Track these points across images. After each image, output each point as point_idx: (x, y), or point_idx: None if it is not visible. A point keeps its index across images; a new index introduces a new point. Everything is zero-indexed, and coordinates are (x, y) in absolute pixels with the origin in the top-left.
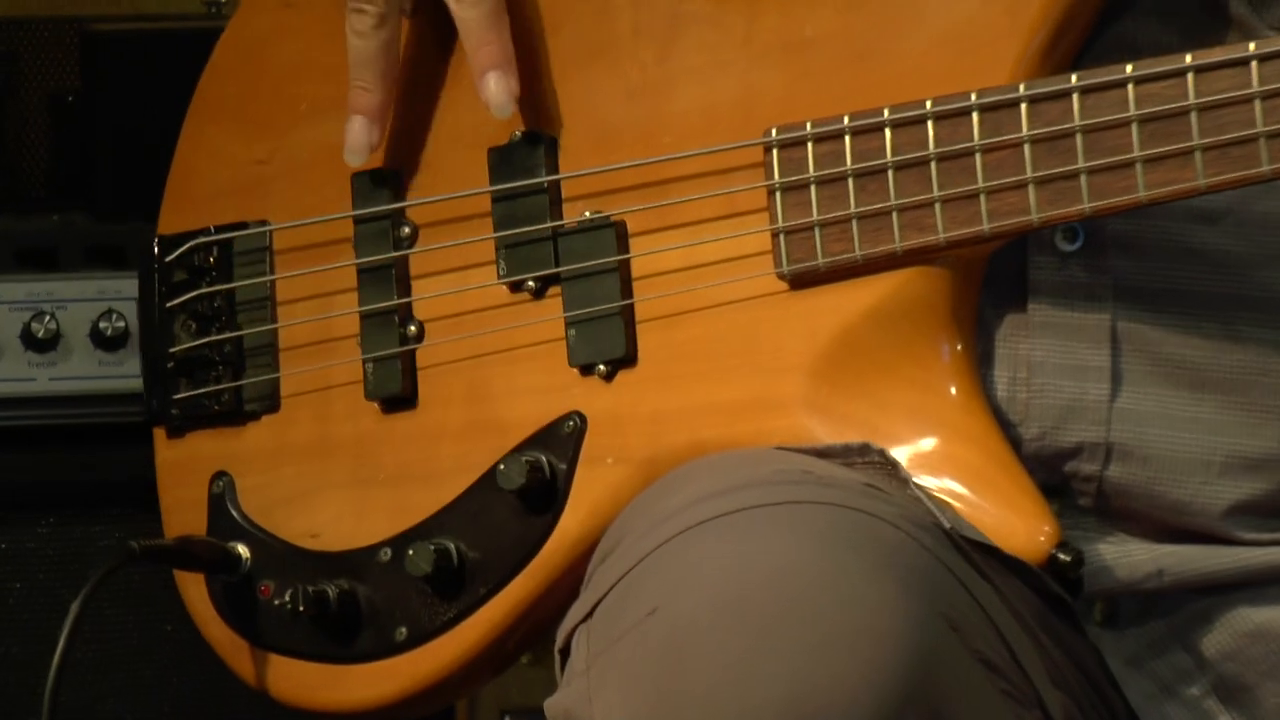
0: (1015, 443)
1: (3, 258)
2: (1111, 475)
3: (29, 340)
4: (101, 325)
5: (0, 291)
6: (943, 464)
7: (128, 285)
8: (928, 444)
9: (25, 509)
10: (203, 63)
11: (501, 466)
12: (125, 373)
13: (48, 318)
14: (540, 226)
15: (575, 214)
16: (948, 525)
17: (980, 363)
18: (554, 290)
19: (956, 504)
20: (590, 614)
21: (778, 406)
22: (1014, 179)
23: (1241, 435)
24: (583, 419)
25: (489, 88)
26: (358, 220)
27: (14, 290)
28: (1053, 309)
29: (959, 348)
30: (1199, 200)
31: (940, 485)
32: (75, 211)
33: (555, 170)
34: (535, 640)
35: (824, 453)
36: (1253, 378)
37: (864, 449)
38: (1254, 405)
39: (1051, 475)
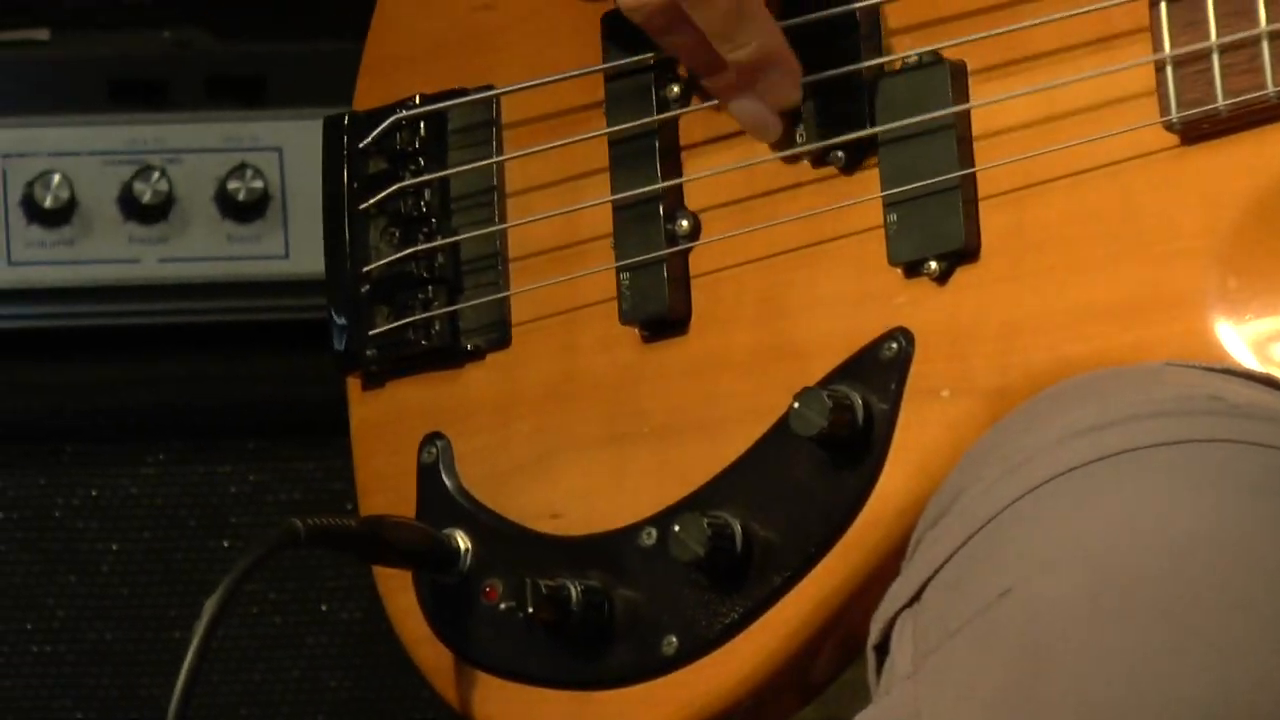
0: None
1: (92, 90)
2: None
3: (130, 206)
4: (231, 186)
5: (90, 138)
6: None
7: (265, 130)
8: None
9: (124, 440)
10: None
11: (796, 405)
12: (263, 251)
13: (156, 175)
14: (850, 68)
15: (898, 51)
16: None
17: None
18: (869, 160)
19: None
20: (917, 596)
21: (1172, 306)
22: None
23: None
24: (908, 338)
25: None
26: (610, 76)
27: (109, 136)
28: None
29: None
30: None
31: None
32: (193, 27)
33: None
34: (856, 651)
35: (1239, 374)
36: None
37: None
38: None
39: None
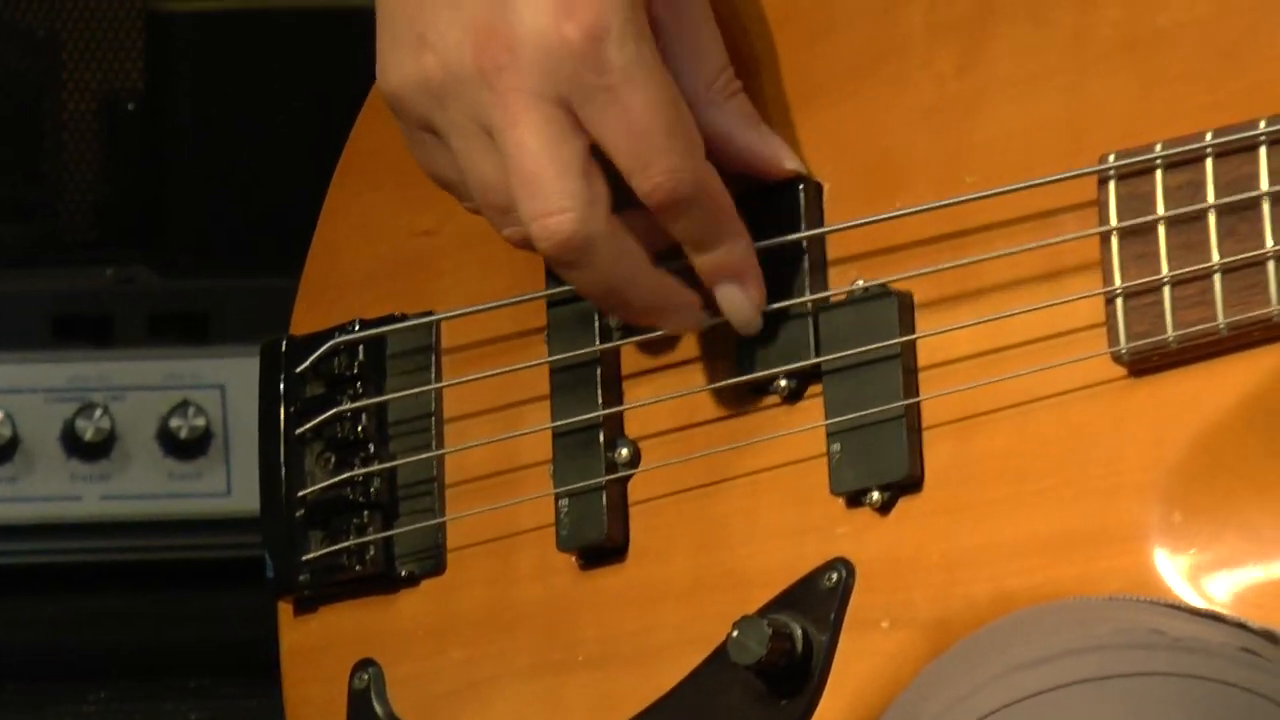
0: None
1: (35, 326)
2: None
3: (73, 444)
4: (173, 424)
5: (31, 375)
6: None
7: (208, 368)
8: None
9: (66, 678)
10: (311, 53)
11: (735, 633)
12: (205, 489)
13: (99, 412)
14: (797, 301)
15: (844, 283)
16: None
17: None
18: (813, 389)
19: None
20: None
21: (1116, 540)
22: None
23: None
24: (849, 568)
25: (730, 305)
26: (552, 303)
27: (51, 373)
28: None
29: None
30: None
31: None
32: (136, 265)
33: (819, 223)
34: None
35: (1183, 609)
36: None
37: (1239, 628)
38: None
39: None
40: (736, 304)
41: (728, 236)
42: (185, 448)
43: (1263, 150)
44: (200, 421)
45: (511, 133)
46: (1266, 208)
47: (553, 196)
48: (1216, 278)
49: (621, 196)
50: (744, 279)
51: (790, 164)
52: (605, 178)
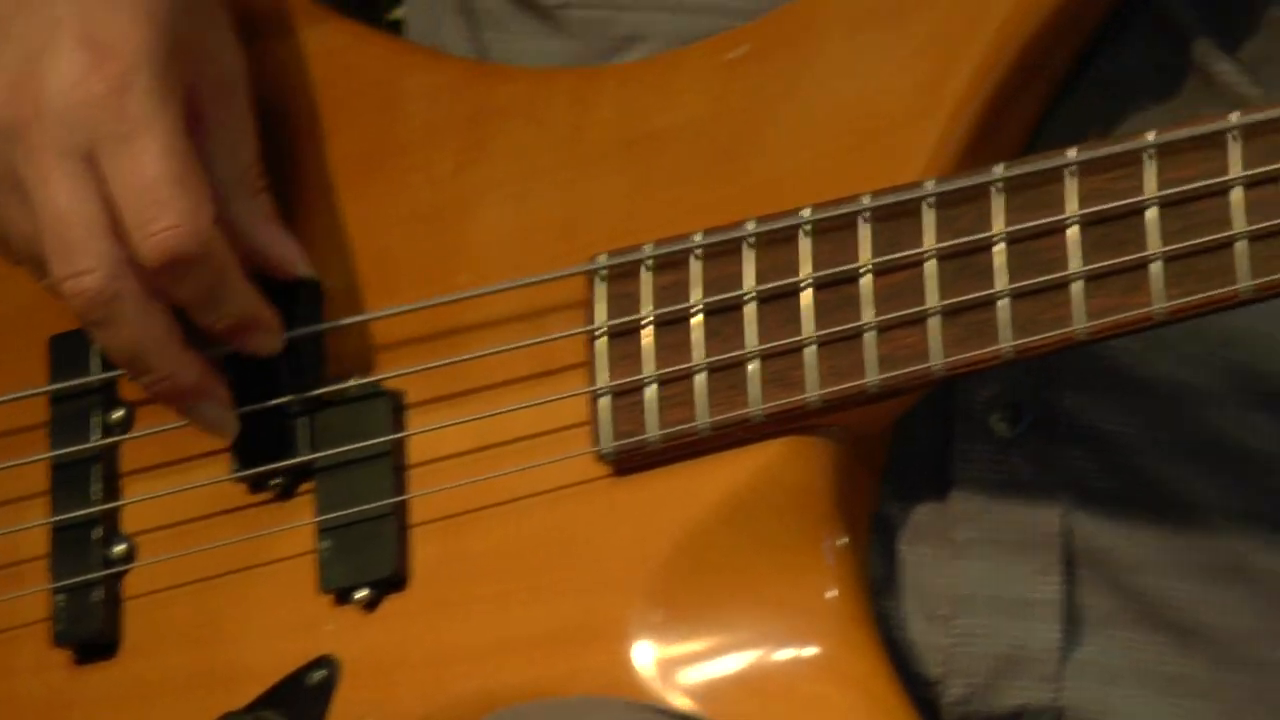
0: (928, 706)
1: None
2: None
3: None
4: None
5: None
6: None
7: None
8: (801, 687)
9: None
10: None
11: None
12: None
13: None
14: (292, 398)
15: (340, 381)
16: None
17: (879, 589)
18: (306, 487)
19: None
20: None
21: (601, 637)
22: (912, 310)
23: (1246, 706)
24: (335, 665)
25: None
26: (54, 398)
27: None
28: (985, 518)
29: (843, 558)
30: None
31: None
32: None
33: (317, 321)
34: None
35: (664, 712)
36: (1261, 623)
37: None
38: (1265, 664)
39: None
40: (206, 416)
41: (232, 304)
42: None
43: (747, 251)
44: None
45: (41, 190)
46: (749, 309)
47: (79, 256)
48: (699, 378)
49: None
50: (250, 341)
51: (302, 269)
52: None
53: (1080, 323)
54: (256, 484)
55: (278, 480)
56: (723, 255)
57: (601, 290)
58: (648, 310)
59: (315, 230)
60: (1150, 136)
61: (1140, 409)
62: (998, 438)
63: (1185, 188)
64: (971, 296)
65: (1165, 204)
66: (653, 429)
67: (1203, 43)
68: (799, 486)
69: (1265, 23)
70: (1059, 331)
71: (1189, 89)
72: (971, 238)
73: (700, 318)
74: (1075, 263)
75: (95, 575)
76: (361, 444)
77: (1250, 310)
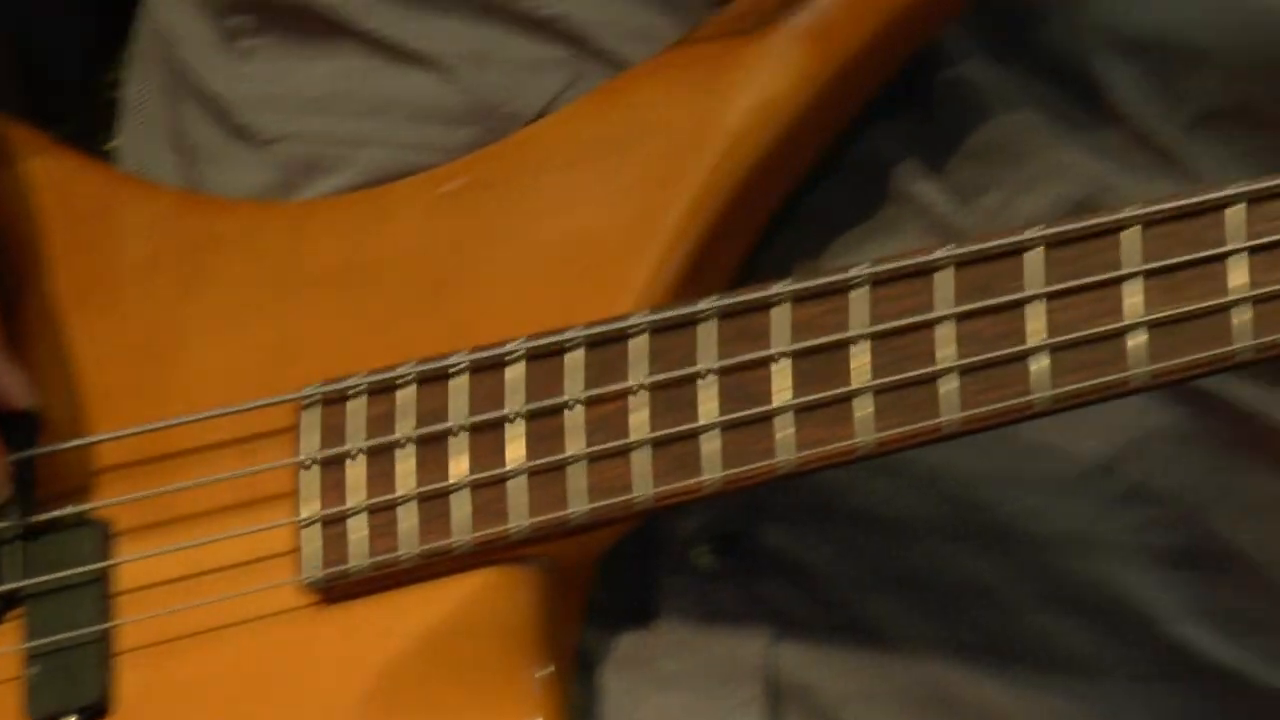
0: None
1: None
2: None
3: None
4: None
5: None
6: None
7: None
8: None
9: None
10: None
11: None
12: None
13: None
14: (2, 526)
15: (52, 509)
16: None
17: None
18: (16, 613)
19: None
20: None
21: None
22: (618, 442)
23: None
24: None
25: None
26: None
27: None
28: (689, 650)
29: (547, 689)
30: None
31: None
32: None
33: (30, 447)
34: None
35: None
36: None
37: None
38: None
39: None
40: None
41: None
42: None
43: (458, 382)
44: None
45: None
46: (459, 439)
47: None
48: (407, 507)
49: None
50: None
51: (25, 400)
52: None
53: (787, 455)
54: None
55: None
56: (434, 385)
57: (311, 419)
58: (358, 440)
59: (38, 360)
60: (856, 270)
61: (845, 540)
62: (703, 570)
63: (894, 324)
64: (678, 430)
65: (875, 337)
66: (360, 558)
67: (908, 171)
68: (503, 616)
69: (975, 153)
70: (765, 463)
71: (896, 218)
72: (681, 372)
73: (411, 448)
74: (783, 396)
75: None
76: (70, 571)
77: (952, 445)
